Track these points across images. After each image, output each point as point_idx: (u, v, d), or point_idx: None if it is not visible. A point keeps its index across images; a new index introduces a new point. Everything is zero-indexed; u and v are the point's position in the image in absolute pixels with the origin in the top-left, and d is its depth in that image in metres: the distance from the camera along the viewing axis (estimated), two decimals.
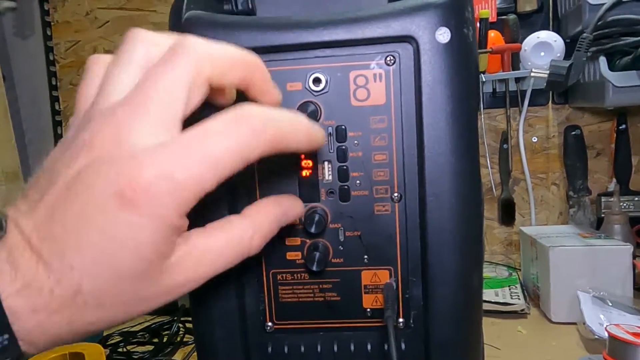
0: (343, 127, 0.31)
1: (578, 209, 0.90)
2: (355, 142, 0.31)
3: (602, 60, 0.69)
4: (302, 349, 0.33)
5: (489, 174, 0.93)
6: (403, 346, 0.32)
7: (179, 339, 0.72)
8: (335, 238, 0.32)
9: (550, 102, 0.92)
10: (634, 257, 0.69)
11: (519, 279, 0.82)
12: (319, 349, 0.33)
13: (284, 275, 0.33)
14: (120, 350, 0.70)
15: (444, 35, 0.28)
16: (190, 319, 0.73)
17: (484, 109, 0.92)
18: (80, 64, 1.12)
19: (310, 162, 0.31)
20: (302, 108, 0.30)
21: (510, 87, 0.89)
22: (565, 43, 0.81)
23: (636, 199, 0.87)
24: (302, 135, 0.24)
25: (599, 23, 0.66)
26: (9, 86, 1.11)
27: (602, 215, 0.86)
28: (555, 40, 0.80)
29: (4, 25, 1.12)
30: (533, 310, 0.72)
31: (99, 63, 0.25)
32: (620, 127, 0.87)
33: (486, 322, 0.69)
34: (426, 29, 0.29)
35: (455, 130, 0.29)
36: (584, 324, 0.60)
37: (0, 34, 1.12)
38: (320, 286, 0.32)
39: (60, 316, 0.21)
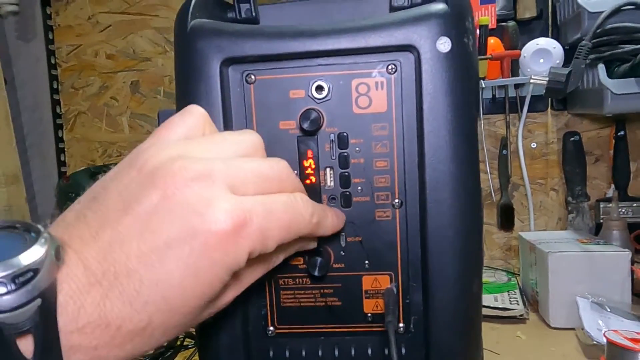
0: (345, 134, 0.31)
1: (577, 214, 0.91)
2: (357, 149, 0.31)
3: (601, 67, 0.69)
4: (304, 353, 0.33)
5: (489, 179, 0.93)
6: (403, 351, 0.32)
7: (179, 342, 0.72)
8: (337, 243, 0.32)
9: (549, 108, 0.93)
10: (633, 263, 0.69)
11: (518, 284, 0.82)
12: (320, 353, 0.33)
13: (285, 280, 0.33)
14: None
15: (444, 44, 0.29)
16: None
17: (483, 114, 0.92)
18: (82, 67, 1.12)
19: (312, 169, 0.32)
20: (305, 115, 0.30)
21: (509, 93, 0.90)
22: (565, 50, 0.81)
23: (634, 204, 0.87)
24: (331, 226, 0.29)
25: (598, 31, 0.66)
26: (11, 89, 1.12)
27: (601, 221, 0.87)
28: (554, 47, 0.80)
29: (6, 29, 1.13)
30: (532, 316, 0.72)
31: (197, 117, 0.26)
32: (619, 134, 0.88)
33: (485, 327, 0.69)
34: (427, 38, 0.29)
35: (455, 138, 0.30)
36: (583, 329, 0.60)
37: (3, 37, 1.12)
38: (322, 291, 0.33)
39: (121, 349, 0.21)
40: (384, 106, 0.31)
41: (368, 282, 0.33)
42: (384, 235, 0.32)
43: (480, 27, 0.81)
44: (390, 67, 0.31)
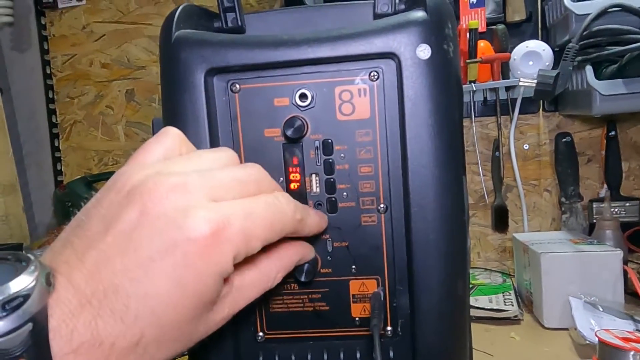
0: (329, 140, 0.32)
1: (570, 215, 0.91)
2: (342, 155, 0.32)
3: (589, 69, 0.70)
4: (293, 358, 0.34)
5: (481, 181, 0.94)
6: (391, 354, 0.33)
7: None
8: (324, 249, 0.33)
9: (540, 109, 0.93)
10: (626, 262, 0.70)
11: (513, 285, 0.83)
12: (309, 358, 0.34)
13: None
14: None
15: (424, 51, 0.29)
16: None
17: (475, 117, 0.93)
18: (77, 76, 1.13)
19: (298, 175, 0.32)
20: (289, 123, 0.31)
21: (500, 95, 0.90)
22: (554, 52, 0.82)
23: (627, 204, 0.88)
24: (315, 225, 0.30)
25: (585, 33, 0.67)
26: (7, 99, 1.12)
27: (594, 220, 0.87)
28: (543, 50, 0.81)
29: (2, 40, 1.14)
30: (526, 316, 0.73)
31: (173, 137, 0.26)
32: (610, 134, 0.89)
33: (480, 328, 0.69)
34: (407, 45, 0.30)
35: (437, 142, 0.30)
36: (576, 329, 0.61)
37: None
38: (310, 296, 0.33)
39: None
40: (367, 113, 0.31)
41: (355, 286, 0.33)
42: (370, 240, 0.32)
43: (470, 30, 0.81)
44: (372, 74, 0.31)
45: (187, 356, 0.71)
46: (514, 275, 0.86)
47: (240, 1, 0.35)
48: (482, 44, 0.84)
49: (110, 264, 0.21)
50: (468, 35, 0.81)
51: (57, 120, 1.15)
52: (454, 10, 0.88)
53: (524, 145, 0.94)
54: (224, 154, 0.26)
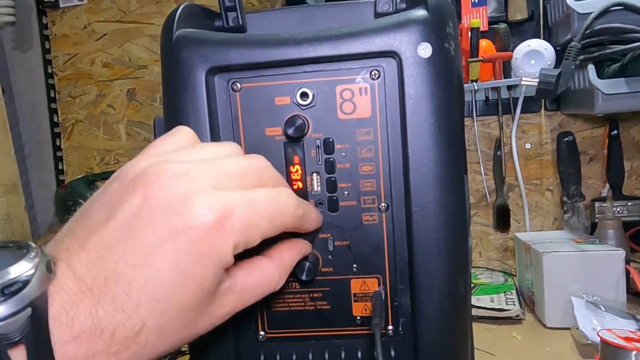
0: (330, 139, 0.32)
1: (572, 214, 0.91)
2: (343, 154, 0.32)
3: (591, 68, 0.70)
4: (294, 357, 0.34)
5: (483, 180, 0.94)
6: (392, 353, 0.33)
7: None
8: (325, 248, 0.33)
9: (542, 109, 0.93)
10: (628, 262, 0.70)
11: (515, 284, 0.83)
12: (310, 356, 0.34)
13: None
14: None
15: (425, 50, 0.29)
16: None
17: (477, 116, 0.93)
18: (78, 76, 1.13)
19: (299, 174, 0.32)
20: (290, 122, 0.31)
21: (502, 94, 0.90)
22: (556, 51, 0.82)
23: (629, 203, 0.88)
24: (316, 221, 0.30)
25: (587, 32, 0.67)
26: (8, 98, 1.12)
27: (596, 220, 0.87)
28: (545, 49, 0.81)
29: (4, 39, 1.14)
30: (528, 316, 0.73)
31: (185, 135, 0.27)
32: (612, 133, 0.88)
33: (481, 328, 0.69)
34: (408, 44, 0.30)
35: (438, 141, 0.30)
36: (578, 329, 0.60)
37: (0, 47, 1.13)
38: (311, 295, 0.33)
39: (118, 358, 0.21)
40: (368, 111, 0.31)
41: (356, 285, 0.33)
42: (371, 239, 0.32)
43: (472, 29, 0.81)
44: (373, 73, 0.31)
45: (188, 356, 0.71)
46: (515, 275, 0.86)
47: (242, 0, 0.35)
48: (484, 42, 0.84)
49: (112, 251, 0.21)
50: (470, 34, 0.81)
51: (58, 120, 1.15)
52: (455, 9, 0.87)
53: (526, 145, 0.94)
54: (229, 147, 0.27)
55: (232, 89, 0.32)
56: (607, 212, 0.81)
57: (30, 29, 1.13)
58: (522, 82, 0.73)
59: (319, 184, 0.32)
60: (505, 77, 0.84)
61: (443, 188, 0.30)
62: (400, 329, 0.33)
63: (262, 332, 0.34)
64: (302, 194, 0.32)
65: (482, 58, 0.81)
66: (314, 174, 0.32)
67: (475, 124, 0.93)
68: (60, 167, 1.15)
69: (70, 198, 1.05)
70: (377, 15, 0.34)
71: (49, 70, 1.13)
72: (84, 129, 1.14)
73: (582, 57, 0.69)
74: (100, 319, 0.20)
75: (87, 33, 1.12)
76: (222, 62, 0.31)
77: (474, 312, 0.70)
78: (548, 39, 0.87)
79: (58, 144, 1.15)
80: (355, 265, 0.33)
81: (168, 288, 0.21)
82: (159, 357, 0.23)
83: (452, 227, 0.31)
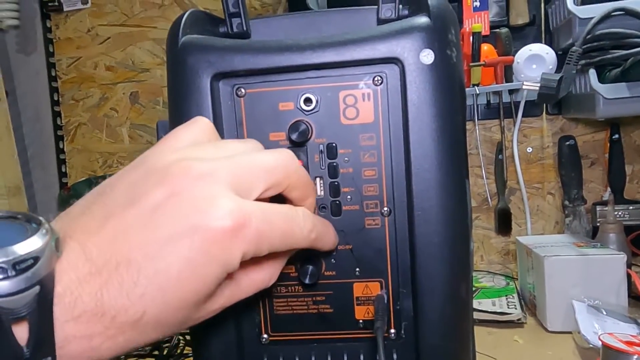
0: (334, 144, 0.32)
1: (574, 218, 0.91)
2: (346, 158, 0.32)
3: (592, 72, 0.70)
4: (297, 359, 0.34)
5: (485, 184, 0.94)
6: (395, 356, 0.33)
7: (179, 351, 0.72)
8: (328, 251, 0.33)
9: (544, 113, 0.93)
10: (629, 266, 0.70)
11: (517, 288, 0.83)
12: (312, 359, 0.34)
13: (278, 288, 0.34)
14: None
15: (427, 56, 0.30)
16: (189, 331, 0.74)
17: (478, 120, 0.93)
18: (82, 79, 1.14)
19: None
20: (294, 127, 0.31)
21: (504, 98, 0.90)
22: (557, 55, 0.82)
23: (631, 207, 0.88)
24: (331, 243, 0.31)
25: (588, 36, 0.67)
26: (12, 102, 1.13)
27: (598, 224, 0.87)
28: (547, 53, 0.81)
29: (8, 42, 1.15)
30: (530, 320, 0.73)
31: (203, 126, 0.27)
32: (614, 137, 0.89)
33: (483, 332, 0.69)
34: (411, 51, 0.30)
35: (440, 147, 0.30)
36: (579, 333, 0.61)
37: (4, 50, 1.14)
38: (314, 298, 0.33)
39: (114, 341, 0.21)
40: (371, 117, 0.32)
41: (359, 289, 0.33)
42: (373, 243, 0.33)
43: (474, 34, 0.82)
44: (376, 78, 0.31)
45: (191, 358, 0.71)
46: (517, 279, 0.86)
47: (246, 7, 0.35)
48: (486, 47, 0.84)
49: (128, 237, 0.21)
50: (471, 38, 0.82)
51: (62, 123, 1.16)
52: (457, 14, 0.88)
53: (528, 148, 0.94)
54: (252, 144, 0.27)
55: (237, 95, 0.32)
56: (609, 216, 0.81)
57: (34, 33, 1.13)
58: (524, 87, 0.73)
59: (322, 188, 0.33)
60: (506, 81, 0.85)
61: (445, 193, 0.31)
62: (402, 332, 0.33)
63: (265, 335, 0.34)
64: None
65: (483, 62, 0.82)
66: (318, 179, 0.32)
67: (477, 127, 0.93)
68: (63, 170, 1.16)
69: (73, 200, 1.05)
70: (380, 21, 0.34)
71: (53, 74, 1.14)
72: (87, 132, 1.15)
73: (583, 61, 0.69)
74: (104, 302, 0.21)
75: (90, 36, 1.12)
76: (227, 68, 0.31)
77: (476, 315, 0.70)
78: (549, 43, 0.87)
79: (61, 146, 1.16)
80: (357, 269, 0.33)
81: (175, 282, 0.22)
82: (149, 344, 0.23)
83: (454, 231, 0.31)
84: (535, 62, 0.81)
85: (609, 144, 0.89)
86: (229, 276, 0.25)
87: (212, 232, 0.22)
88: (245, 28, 0.36)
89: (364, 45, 0.30)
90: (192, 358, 0.70)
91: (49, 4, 1.11)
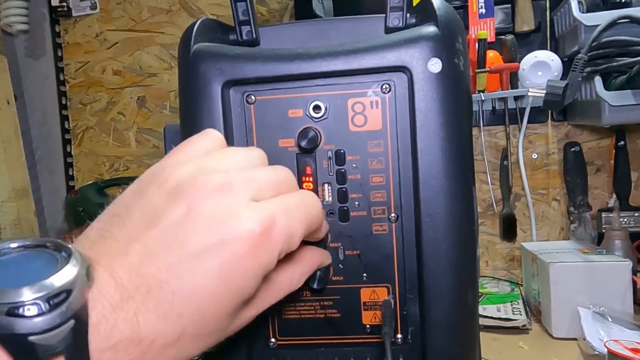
0: (342, 151, 0.32)
1: (579, 224, 0.91)
2: (354, 165, 0.33)
3: (598, 80, 0.70)
4: None
5: (490, 190, 0.94)
6: None
7: None
8: (335, 257, 0.33)
9: (549, 119, 0.94)
10: (635, 272, 0.70)
11: (521, 294, 0.83)
12: None
13: None
14: None
15: (435, 65, 0.30)
16: None
17: (483, 126, 0.93)
18: (90, 83, 1.15)
19: (311, 185, 0.33)
20: (303, 134, 0.32)
21: (509, 105, 0.91)
22: (563, 62, 0.82)
23: (636, 214, 0.88)
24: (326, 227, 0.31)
25: (594, 44, 0.68)
26: (20, 105, 1.14)
27: (603, 230, 0.87)
28: (552, 60, 0.82)
29: (17, 47, 1.16)
30: (535, 326, 0.73)
31: (214, 138, 0.27)
32: (619, 144, 0.89)
33: (488, 337, 0.69)
34: (419, 59, 0.30)
35: (448, 154, 0.31)
36: (584, 339, 0.61)
37: (13, 55, 1.15)
38: (321, 303, 0.34)
39: None
40: (379, 124, 0.32)
41: (366, 294, 0.34)
42: (381, 249, 0.33)
43: (479, 40, 0.82)
44: (384, 86, 0.32)
45: None
46: (522, 285, 0.86)
47: (255, 15, 0.36)
48: (491, 53, 0.85)
49: (156, 259, 0.21)
50: (477, 45, 0.82)
51: (69, 126, 1.17)
52: (463, 21, 0.89)
53: (533, 155, 0.94)
54: (256, 153, 0.27)
55: (247, 102, 0.33)
56: (614, 222, 0.81)
57: (43, 37, 1.15)
58: (529, 93, 0.73)
59: (330, 194, 0.33)
60: (512, 88, 0.85)
61: (452, 199, 0.31)
62: (409, 337, 0.33)
63: (273, 340, 0.34)
64: None
65: (489, 69, 0.82)
66: (326, 185, 0.33)
67: (482, 133, 0.93)
68: (70, 173, 1.17)
69: (79, 204, 1.06)
70: (388, 30, 0.35)
71: (61, 78, 1.15)
72: (94, 136, 1.16)
73: (589, 69, 0.69)
74: (141, 327, 0.20)
75: (98, 41, 1.14)
76: (238, 76, 0.32)
77: (481, 321, 0.69)
78: (555, 50, 0.88)
79: (68, 150, 1.17)
80: (365, 275, 0.33)
81: (211, 298, 0.22)
82: (190, 357, 0.23)
83: (460, 237, 0.31)
84: (540, 69, 0.82)
85: (614, 151, 0.89)
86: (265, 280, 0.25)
87: (242, 243, 0.22)
88: (254, 36, 0.36)
89: (373, 53, 0.31)
90: None
91: (58, 9, 1.13)
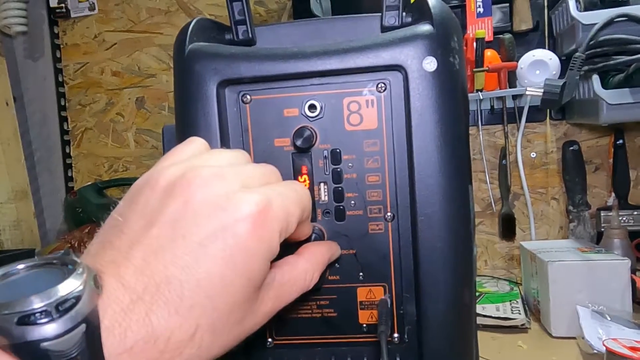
0: (338, 150, 0.32)
1: (578, 223, 0.91)
2: (350, 164, 0.33)
3: (595, 78, 0.70)
4: None
5: (488, 189, 0.94)
6: None
7: None
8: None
9: (547, 118, 0.94)
10: (634, 271, 0.69)
11: (521, 293, 0.83)
12: None
13: None
14: None
15: (430, 64, 0.30)
16: None
17: (482, 125, 0.93)
18: (88, 84, 1.15)
19: (307, 184, 0.33)
20: (299, 133, 0.32)
21: (507, 104, 0.91)
22: (561, 61, 0.82)
23: (635, 213, 0.87)
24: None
25: (592, 42, 0.68)
26: (19, 107, 1.14)
27: (602, 229, 0.87)
28: (550, 59, 0.82)
29: (15, 48, 1.16)
30: (534, 325, 0.73)
31: (199, 145, 0.27)
32: (618, 142, 0.88)
33: (487, 337, 0.69)
34: (414, 58, 0.30)
35: (443, 153, 0.31)
36: (583, 338, 0.60)
37: (12, 56, 1.15)
38: (318, 303, 0.34)
39: None
40: (374, 123, 0.32)
41: (363, 293, 0.34)
42: (377, 248, 0.33)
43: (477, 39, 0.82)
44: (380, 85, 0.32)
45: None
46: (521, 284, 0.86)
47: (251, 14, 0.36)
48: (489, 52, 0.85)
49: (160, 256, 0.21)
50: (475, 44, 0.82)
51: (68, 128, 1.17)
52: (460, 20, 0.89)
53: (531, 154, 0.94)
54: (241, 153, 0.28)
55: (243, 101, 0.33)
56: (613, 221, 0.81)
57: (42, 39, 1.15)
58: (527, 92, 0.73)
59: (326, 193, 0.33)
60: (510, 87, 0.85)
61: (448, 198, 0.31)
62: (405, 336, 0.33)
63: (270, 339, 0.34)
64: None
65: (487, 68, 0.82)
66: (322, 184, 0.33)
67: (481, 132, 0.93)
68: (69, 174, 1.17)
69: (79, 205, 1.06)
70: (383, 29, 0.35)
71: (60, 79, 1.15)
72: (93, 137, 1.16)
73: (586, 67, 0.69)
74: (155, 326, 0.20)
75: (97, 42, 1.14)
76: (233, 75, 0.32)
77: (479, 320, 0.70)
78: (553, 49, 0.87)
79: (68, 151, 1.17)
80: (361, 274, 0.33)
81: (219, 285, 0.22)
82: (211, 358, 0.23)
83: (457, 236, 0.31)
84: (538, 68, 0.82)
85: (613, 149, 0.89)
86: (268, 275, 0.25)
87: (243, 225, 0.22)
88: (250, 35, 0.36)
89: (368, 52, 0.31)
90: None
91: (57, 10, 1.13)
